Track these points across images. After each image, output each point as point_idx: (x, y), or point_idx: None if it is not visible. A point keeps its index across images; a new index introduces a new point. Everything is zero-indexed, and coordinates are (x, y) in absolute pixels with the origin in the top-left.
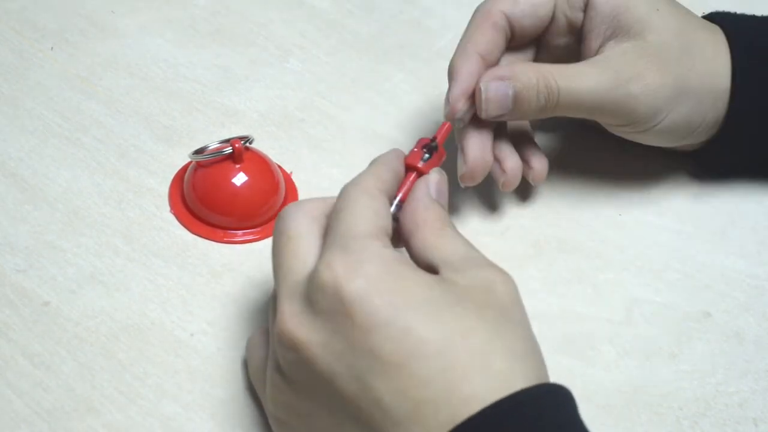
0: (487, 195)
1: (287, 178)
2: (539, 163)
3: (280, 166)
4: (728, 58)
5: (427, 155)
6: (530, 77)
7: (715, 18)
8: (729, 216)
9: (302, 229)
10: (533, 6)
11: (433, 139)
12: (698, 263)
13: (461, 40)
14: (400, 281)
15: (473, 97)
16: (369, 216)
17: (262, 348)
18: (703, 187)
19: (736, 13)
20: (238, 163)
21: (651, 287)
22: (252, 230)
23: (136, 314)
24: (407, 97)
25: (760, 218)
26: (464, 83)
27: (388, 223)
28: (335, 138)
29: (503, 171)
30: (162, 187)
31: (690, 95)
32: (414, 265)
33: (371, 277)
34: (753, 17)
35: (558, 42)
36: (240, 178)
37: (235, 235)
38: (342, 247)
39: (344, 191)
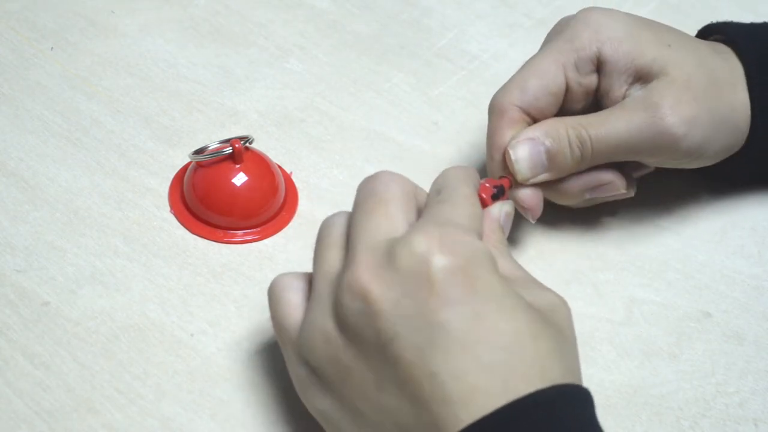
0: None
1: (287, 178)
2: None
3: (280, 166)
4: (745, 82)
5: (496, 192)
6: (560, 132)
7: (724, 31)
8: (729, 216)
9: (398, 196)
10: (543, 87)
11: (502, 184)
12: (698, 263)
13: (487, 141)
14: (486, 271)
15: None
16: (471, 215)
17: (296, 292)
18: (704, 187)
19: (739, 24)
20: (238, 163)
21: (651, 287)
22: (252, 230)
23: (136, 314)
24: (407, 97)
25: (760, 218)
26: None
27: (481, 229)
28: (335, 138)
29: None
30: (162, 187)
31: (727, 123)
32: (498, 266)
33: (462, 258)
34: (754, 26)
35: (577, 107)
36: (240, 178)
37: (235, 235)
38: (442, 225)
39: (449, 189)
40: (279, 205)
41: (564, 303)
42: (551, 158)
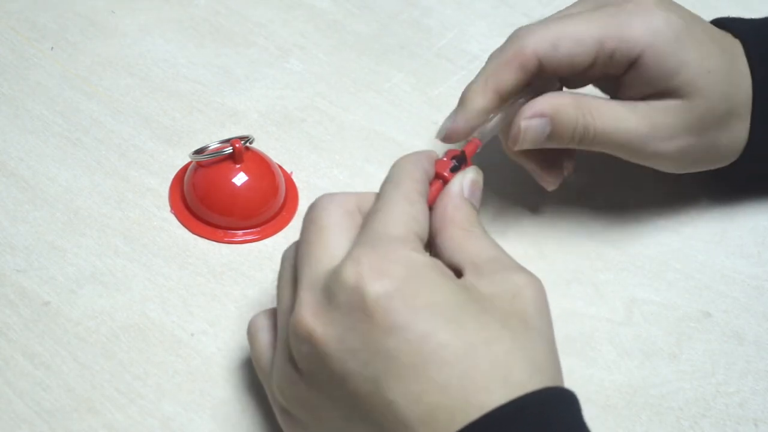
0: (488, 194)
1: (287, 178)
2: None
3: (280, 166)
4: (750, 109)
5: (455, 164)
6: (570, 116)
7: (729, 27)
8: (729, 216)
9: (334, 220)
10: (571, 56)
11: (462, 151)
12: (698, 263)
13: (486, 67)
14: (424, 286)
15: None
16: (405, 220)
17: (267, 332)
18: (703, 187)
19: (744, 20)
20: (238, 163)
21: (651, 287)
22: (252, 230)
23: (136, 314)
24: (407, 97)
25: (760, 218)
26: (471, 119)
27: (424, 229)
28: (335, 138)
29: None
30: (162, 187)
31: (722, 151)
32: (442, 271)
33: (396, 279)
34: (759, 21)
35: (586, 77)
36: (240, 178)
37: (235, 235)
38: (372, 246)
39: (384, 192)
40: (279, 205)
41: (529, 284)
42: (552, 136)
